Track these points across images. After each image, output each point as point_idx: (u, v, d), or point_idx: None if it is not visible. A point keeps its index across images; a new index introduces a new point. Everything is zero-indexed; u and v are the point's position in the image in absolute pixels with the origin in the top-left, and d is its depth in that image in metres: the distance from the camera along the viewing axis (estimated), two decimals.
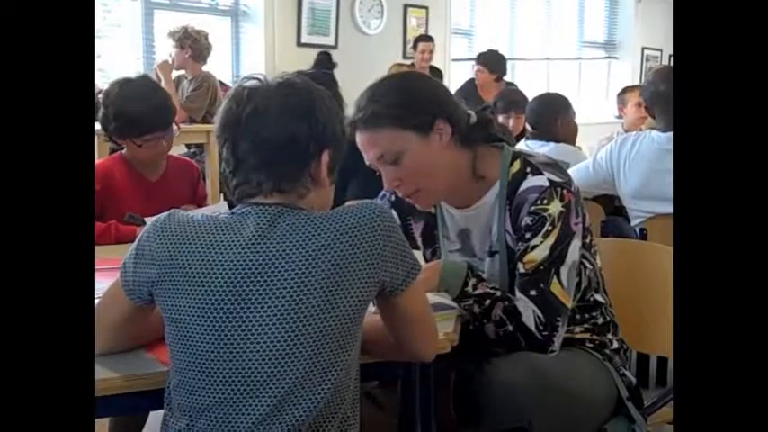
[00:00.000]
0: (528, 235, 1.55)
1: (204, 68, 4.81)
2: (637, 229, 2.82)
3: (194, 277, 1.18)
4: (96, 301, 1.29)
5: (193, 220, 1.24)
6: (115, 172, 2.39)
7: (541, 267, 1.53)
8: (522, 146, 3.37)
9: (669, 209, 2.50)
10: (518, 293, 1.55)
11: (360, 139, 1.56)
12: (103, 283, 1.72)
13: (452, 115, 1.59)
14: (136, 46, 5.32)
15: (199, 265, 1.19)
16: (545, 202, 1.55)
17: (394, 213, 1.82)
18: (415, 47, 6.13)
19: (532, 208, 1.55)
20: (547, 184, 1.55)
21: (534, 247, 1.54)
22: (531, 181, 1.57)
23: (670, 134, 2.68)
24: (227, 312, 1.17)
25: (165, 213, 1.27)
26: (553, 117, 3.42)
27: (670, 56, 9.03)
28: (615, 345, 1.70)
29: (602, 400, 1.62)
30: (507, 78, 5.73)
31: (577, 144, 3.66)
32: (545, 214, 1.54)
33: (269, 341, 1.16)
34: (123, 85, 2.35)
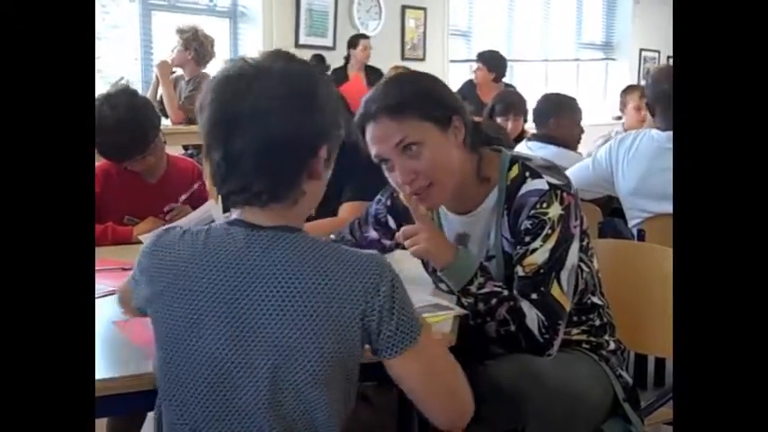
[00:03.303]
0: (528, 238, 1.55)
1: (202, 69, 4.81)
2: (634, 230, 2.82)
3: (183, 297, 1.16)
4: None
5: (183, 241, 1.19)
6: (114, 174, 2.38)
7: (541, 271, 1.53)
8: (522, 147, 3.36)
9: (667, 207, 2.51)
10: (517, 297, 1.55)
11: (380, 127, 1.53)
12: (101, 285, 1.73)
13: (464, 116, 1.60)
14: (134, 47, 5.31)
15: (187, 286, 1.16)
16: (545, 205, 1.54)
17: (389, 218, 1.82)
18: (354, 45, 5.89)
19: (532, 211, 1.55)
20: (546, 187, 1.55)
21: (534, 250, 1.54)
22: (531, 184, 1.56)
23: (670, 133, 2.69)
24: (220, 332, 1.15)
25: (159, 230, 1.25)
26: (546, 116, 3.41)
27: (668, 57, 9.04)
28: (612, 346, 1.70)
29: (599, 401, 1.62)
30: (505, 80, 5.74)
31: (578, 150, 3.61)
32: (545, 218, 1.54)
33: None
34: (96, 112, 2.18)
